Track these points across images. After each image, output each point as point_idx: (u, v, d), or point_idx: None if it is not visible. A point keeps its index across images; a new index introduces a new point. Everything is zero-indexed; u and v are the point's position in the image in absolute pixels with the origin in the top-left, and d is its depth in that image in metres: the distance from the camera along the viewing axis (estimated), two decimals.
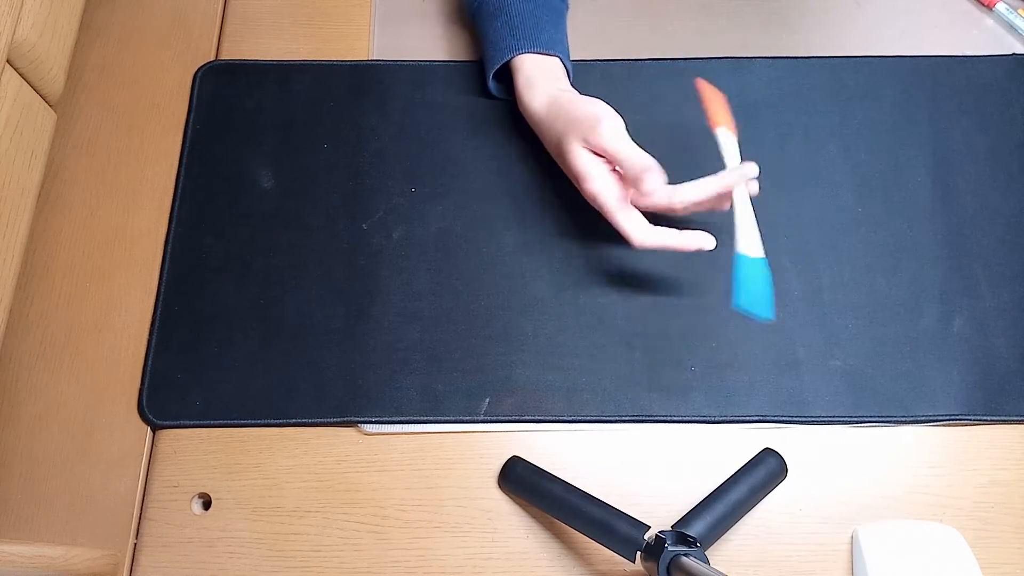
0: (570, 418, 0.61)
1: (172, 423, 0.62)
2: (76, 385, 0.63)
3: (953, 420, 0.61)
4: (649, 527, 0.53)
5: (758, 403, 0.61)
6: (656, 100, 0.67)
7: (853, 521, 0.59)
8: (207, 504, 0.60)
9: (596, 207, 0.61)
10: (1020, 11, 0.74)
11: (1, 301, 0.56)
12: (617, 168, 0.61)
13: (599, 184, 0.60)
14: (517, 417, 0.61)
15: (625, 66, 0.71)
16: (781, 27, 0.75)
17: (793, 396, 0.61)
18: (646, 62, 0.72)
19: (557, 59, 0.67)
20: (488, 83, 0.69)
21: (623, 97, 0.64)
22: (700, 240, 0.59)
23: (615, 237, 0.66)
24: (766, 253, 0.59)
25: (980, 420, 0.61)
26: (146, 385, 0.62)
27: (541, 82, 0.65)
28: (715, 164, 0.68)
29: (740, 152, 0.69)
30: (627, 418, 0.61)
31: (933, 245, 0.66)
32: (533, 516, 0.59)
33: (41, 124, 0.60)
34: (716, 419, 0.61)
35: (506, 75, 0.68)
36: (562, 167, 0.64)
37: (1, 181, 0.55)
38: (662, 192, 0.58)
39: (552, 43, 0.67)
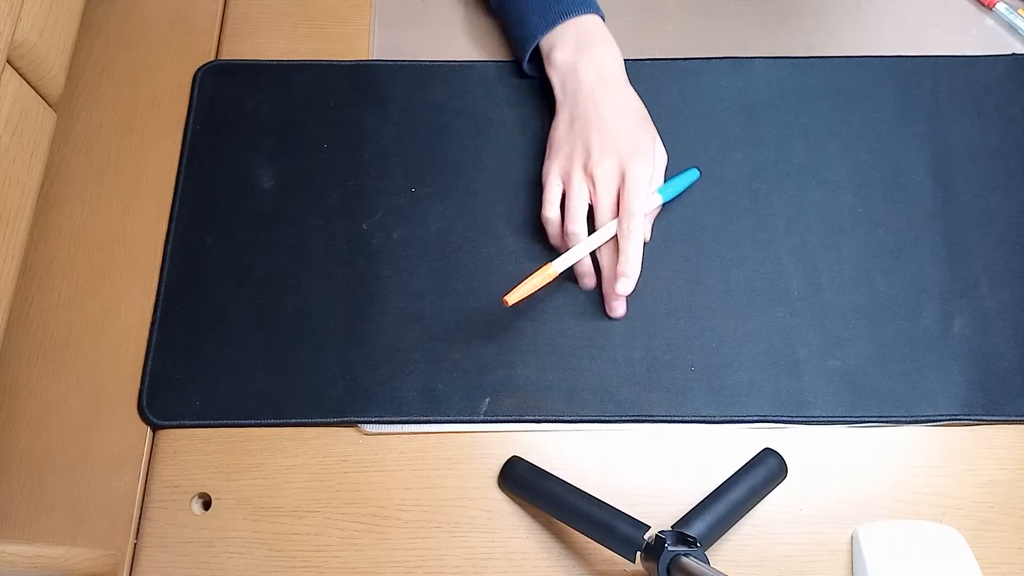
0: (570, 418, 0.61)
1: (172, 423, 0.62)
2: (76, 385, 0.63)
3: (953, 420, 0.61)
4: (649, 527, 0.53)
5: (758, 403, 0.61)
6: (656, 100, 0.67)
7: (853, 521, 0.59)
8: (207, 504, 0.60)
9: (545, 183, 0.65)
10: (1020, 11, 0.74)
11: (1, 301, 0.55)
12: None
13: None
14: (517, 417, 0.61)
15: (625, 66, 0.71)
16: (781, 27, 0.75)
17: (793, 396, 0.61)
18: (646, 62, 0.71)
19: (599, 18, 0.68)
20: (524, 54, 0.68)
21: None
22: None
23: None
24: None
25: (980, 420, 0.61)
26: (146, 385, 0.62)
27: (610, 43, 0.66)
28: (714, 163, 0.69)
29: (739, 151, 0.69)
30: (627, 418, 0.61)
31: (933, 245, 0.66)
32: (533, 516, 0.59)
33: (41, 124, 0.60)
34: (716, 419, 0.61)
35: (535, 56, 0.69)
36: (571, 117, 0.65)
37: (1, 181, 0.55)
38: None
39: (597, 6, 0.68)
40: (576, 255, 0.61)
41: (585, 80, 0.65)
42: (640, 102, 0.66)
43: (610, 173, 0.62)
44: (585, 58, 0.65)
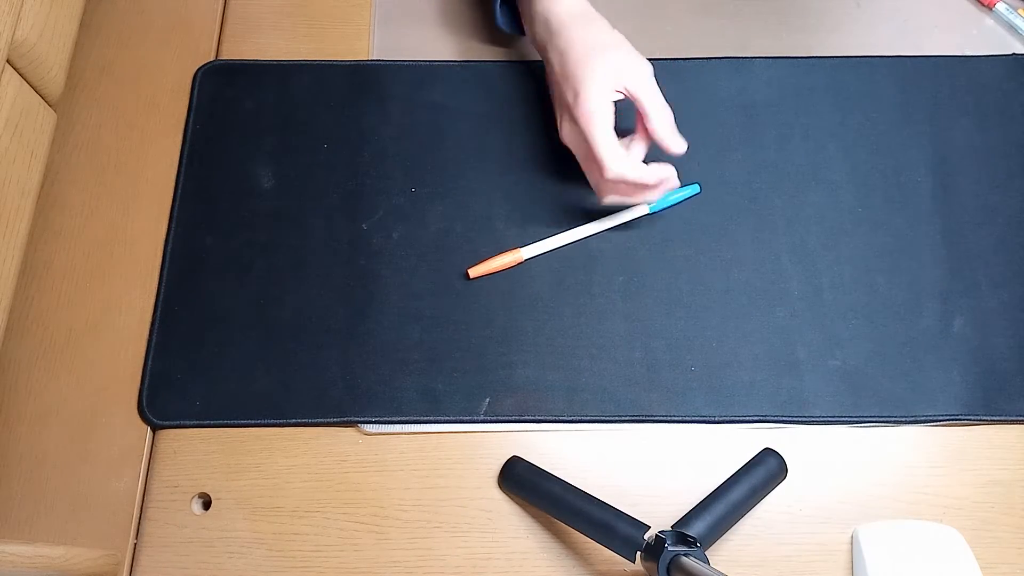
0: (570, 418, 0.61)
1: (172, 423, 0.62)
2: (76, 385, 0.63)
3: (953, 420, 0.61)
4: (649, 527, 0.53)
5: (758, 403, 0.61)
6: None
7: (853, 521, 0.59)
8: (207, 504, 0.60)
9: (586, 134, 0.59)
10: (1020, 11, 0.74)
11: (1, 301, 0.56)
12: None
13: (599, 105, 0.59)
14: (517, 417, 0.61)
15: None
16: (781, 27, 0.75)
17: (793, 396, 0.61)
18: None
19: None
20: (495, 12, 0.68)
21: None
22: (666, 173, 0.60)
23: (616, 237, 0.66)
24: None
25: (980, 420, 0.61)
26: (146, 385, 0.62)
27: None
28: (714, 162, 0.69)
29: (739, 151, 0.69)
30: (627, 418, 0.61)
31: (933, 245, 0.66)
32: (533, 516, 0.59)
33: (41, 124, 0.60)
34: (716, 419, 0.61)
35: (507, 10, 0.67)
36: (560, 77, 0.62)
37: (1, 181, 0.55)
38: (671, 136, 0.61)
39: None
40: (546, 246, 0.65)
41: (564, 16, 0.63)
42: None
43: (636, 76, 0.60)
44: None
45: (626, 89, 0.60)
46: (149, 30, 0.75)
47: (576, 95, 0.60)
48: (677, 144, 0.61)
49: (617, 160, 0.59)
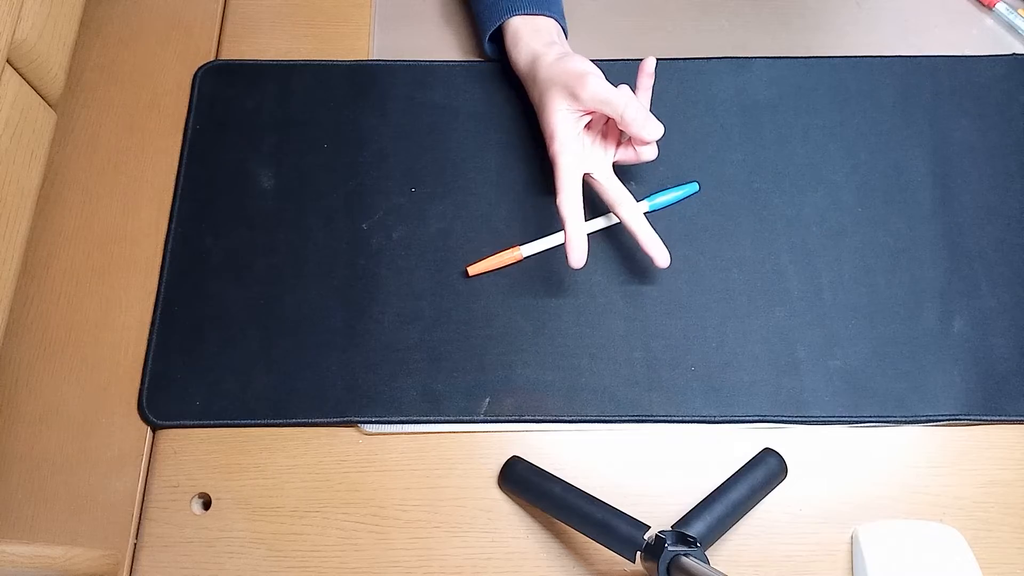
0: (570, 418, 0.61)
1: (172, 423, 0.62)
2: (76, 385, 0.63)
3: (953, 420, 0.61)
4: (649, 527, 0.53)
5: (758, 403, 0.61)
6: (656, 100, 0.67)
7: (853, 521, 0.59)
8: (207, 504, 0.60)
9: (552, 166, 0.62)
10: (1020, 11, 0.74)
11: (1, 301, 0.56)
12: (591, 127, 0.64)
13: (565, 145, 0.61)
14: (517, 417, 0.61)
15: (625, 66, 0.71)
16: (781, 27, 0.75)
17: (793, 396, 0.61)
18: None
19: (550, 19, 0.68)
20: (484, 46, 0.71)
21: None
22: (576, 253, 0.60)
23: (616, 237, 0.66)
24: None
25: (980, 420, 0.61)
26: (146, 385, 0.62)
27: (526, 40, 0.67)
28: (714, 162, 0.69)
29: (739, 151, 0.69)
30: (627, 418, 0.61)
31: (933, 245, 0.66)
32: (533, 516, 0.59)
33: (41, 124, 0.60)
34: (716, 419, 0.61)
35: (500, 36, 0.70)
36: (541, 125, 0.66)
37: (1, 181, 0.55)
38: (645, 119, 0.60)
39: (544, 3, 0.68)
40: (544, 245, 0.65)
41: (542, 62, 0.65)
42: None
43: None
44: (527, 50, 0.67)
45: (584, 111, 0.62)
46: (149, 30, 0.75)
47: (547, 137, 0.63)
48: (653, 129, 0.60)
49: (562, 198, 0.60)
